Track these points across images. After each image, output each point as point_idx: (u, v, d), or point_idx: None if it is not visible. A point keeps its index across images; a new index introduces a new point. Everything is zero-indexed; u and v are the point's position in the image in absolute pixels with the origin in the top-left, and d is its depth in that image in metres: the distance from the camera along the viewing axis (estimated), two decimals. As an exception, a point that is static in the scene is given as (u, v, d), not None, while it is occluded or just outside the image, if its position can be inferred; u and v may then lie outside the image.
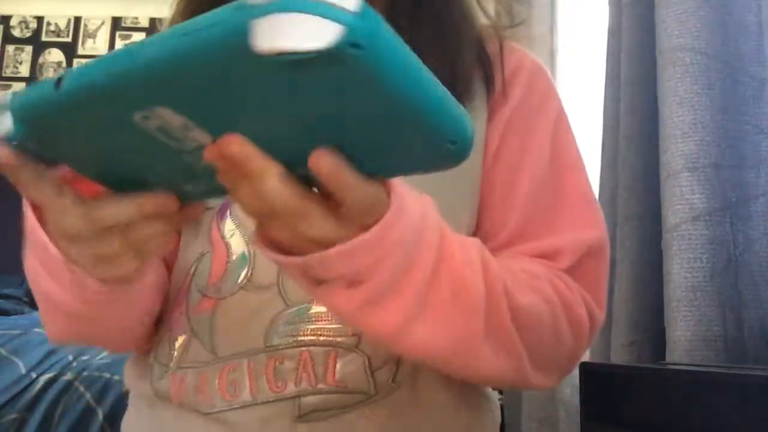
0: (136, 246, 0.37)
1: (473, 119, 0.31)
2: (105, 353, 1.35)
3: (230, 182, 0.30)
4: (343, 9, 0.22)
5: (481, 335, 0.40)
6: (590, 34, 1.26)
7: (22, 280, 2.24)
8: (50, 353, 1.33)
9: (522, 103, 0.55)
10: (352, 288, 0.35)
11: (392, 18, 0.33)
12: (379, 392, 0.48)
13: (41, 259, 0.44)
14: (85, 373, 1.27)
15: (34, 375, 1.27)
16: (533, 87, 0.56)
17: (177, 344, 0.51)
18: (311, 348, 0.48)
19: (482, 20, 0.57)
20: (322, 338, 0.48)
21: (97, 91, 0.27)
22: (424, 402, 0.50)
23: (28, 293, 2.06)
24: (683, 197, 0.76)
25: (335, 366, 0.48)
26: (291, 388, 0.47)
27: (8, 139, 0.32)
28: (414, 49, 0.25)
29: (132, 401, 0.56)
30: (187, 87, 0.26)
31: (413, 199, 0.35)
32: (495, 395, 0.59)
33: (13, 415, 1.21)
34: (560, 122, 0.55)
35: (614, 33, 0.97)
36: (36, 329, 1.43)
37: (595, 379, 0.63)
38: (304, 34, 0.21)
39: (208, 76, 0.24)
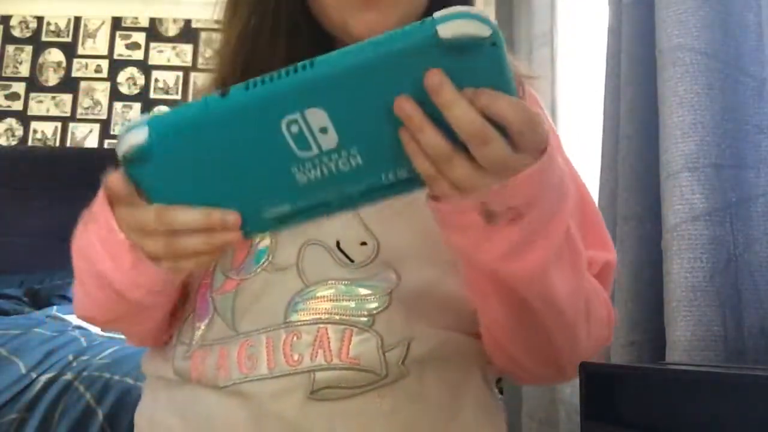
0: (176, 255, 0.43)
1: None
2: (105, 353, 1.35)
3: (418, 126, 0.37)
4: (489, 20, 0.36)
5: (582, 298, 0.48)
6: (590, 34, 1.26)
7: (22, 280, 2.24)
8: (50, 353, 1.33)
9: None
10: (512, 224, 0.39)
11: None
12: (389, 374, 0.50)
13: (103, 240, 0.46)
14: (85, 373, 1.27)
15: (34, 375, 1.27)
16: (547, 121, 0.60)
17: (201, 324, 0.54)
18: (328, 325, 0.50)
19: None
20: (337, 317, 0.50)
21: (265, 97, 0.36)
22: (427, 395, 0.51)
23: (28, 293, 2.06)
24: (683, 197, 0.76)
25: (350, 343, 0.50)
26: (307, 362, 0.49)
27: (131, 153, 0.39)
28: None
29: (147, 388, 0.59)
30: (352, 88, 0.36)
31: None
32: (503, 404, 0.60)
33: (13, 415, 1.21)
34: (563, 151, 0.61)
35: (614, 33, 0.97)
36: (36, 329, 1.43)
37: (595, 379, 0.63)
38: (471, 29, 0.35)
39: (383, 75, 0.36)
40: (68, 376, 1.26)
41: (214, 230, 0.41)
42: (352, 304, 0.51)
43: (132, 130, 0.39)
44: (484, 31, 0.35)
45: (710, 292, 0.73)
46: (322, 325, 0.50)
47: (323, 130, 0.37)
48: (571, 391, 1.13)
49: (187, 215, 0.41)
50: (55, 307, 1.86)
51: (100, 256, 0.47)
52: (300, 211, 0.42)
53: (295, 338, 0.50)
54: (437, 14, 0.35)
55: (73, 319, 1.69)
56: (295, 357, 0.50)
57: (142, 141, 0.39)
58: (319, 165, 0.39)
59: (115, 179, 0.42)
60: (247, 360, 0.51)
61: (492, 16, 1.79)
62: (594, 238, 0.57)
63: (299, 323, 0.51)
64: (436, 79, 0.35)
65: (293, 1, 0.58)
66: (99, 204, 0.47)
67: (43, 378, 1.26)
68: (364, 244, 0.53)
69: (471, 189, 0.39)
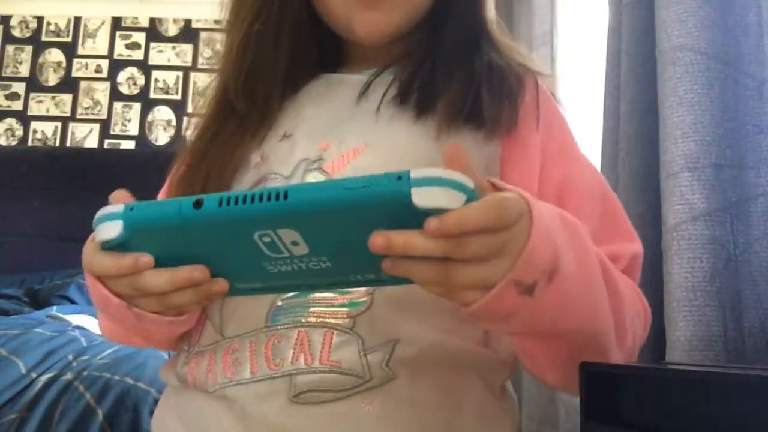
0: (172, 307, 0.46)
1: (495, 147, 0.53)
2: (105, 353, 1.35)
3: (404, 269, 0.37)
4: (466, 185, 0.36)
5: (618, 316, 0.47)
6: (590, 34, 1.26)
7: (22, 280, 2.24)
8: (50, 353, 1.33)
9: (556, 134, 0.60)
10: (552, 282, 0.39)
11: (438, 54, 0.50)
12: (373, 377, 0.48)
13: (102, 307, 0.50)
14: (85, 373, 1.27)
15: (34, 375, 1.27)
16: (559, 117, 0.62)
17: (197, 330, 0.56)
18: (308, 328, 0.50)
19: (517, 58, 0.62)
20: (319, 320, 0.50)
21: (237, 216, 0.37)
22: (420, 400, 0.49)
23: (28, 293, 2.06)
24: (683, 197, 0.76)
25: (330, 345, 0.49)
26: (287, 366, 0.49)
27: (107, 243, 0.42)
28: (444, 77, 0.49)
29: (162, 396, 0.61)
30: (323, 220, 0.37)
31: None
32: (515, 403, 0.59)
33: (13, 415, 1.21)
34: (578, 143, 0.62)
35: (614, 33, 0.97)
36: (36, 329, 1.43)
37: (595, 379, 0.63)
38: (445, 201, 0.35)
39: (351, 216, 0.36)
40: (68, 376, 1.26)
41: (199, 284, 0.43)
42: (333, 307, 0.50)
43: (106, 222, 0.41)
44: (459, 202, 0.35)
45: (710, 292, 0.73)
46: (302, 328, 0.50)
47: (294, 243, 0.38)
48: (571, 391, 1.13)
49: (156, 279, 0.43)
50: (55, 307, 1.86)
51: (108, 320, 0.54)
52: (270, 288, 0.45)
53: (276, 341, 0.50)
54: (415, 173, 0.35)
55: (73, 319, 1.69)
56: (277, 361, 0.49)
57: (116, 235, 0.41)
58: (290, 263, 0.40)
59: (88, 261, 0.46)
60: (231, 364, 0.51)
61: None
62: (619, 230, 0.57)
63: (280, 327, 0.51)
64: (379, 242, 0.35)
65: (297, 4, 0.58)
66: (88, 280, 0.48)
67: (43, 378, 1.26)
68: None
69: (491, 281, 0.37)
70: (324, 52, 0.62)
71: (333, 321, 0.50)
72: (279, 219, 0.37)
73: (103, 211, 0.41)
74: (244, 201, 0.37)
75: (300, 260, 0.40)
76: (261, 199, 0.36)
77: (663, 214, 0.79)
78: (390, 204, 0.35)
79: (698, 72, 0.77)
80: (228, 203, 0.37)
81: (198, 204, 0.38)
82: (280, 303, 0.52)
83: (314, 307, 0.51)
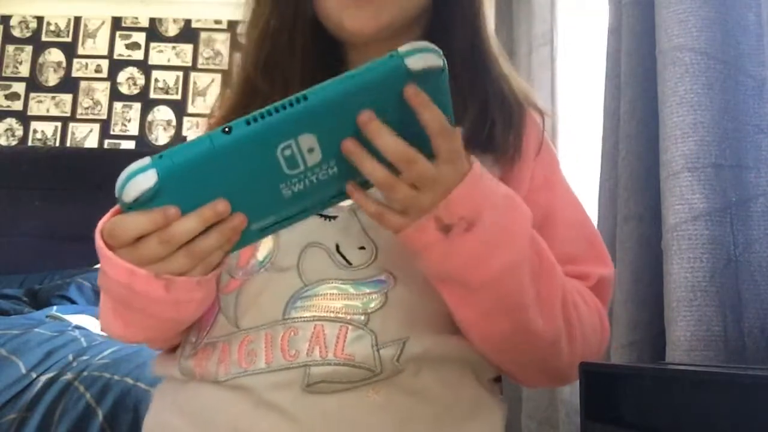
0: (199, 257, 0.46)
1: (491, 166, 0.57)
2: (105, 353, 1.35)
3: (358, 158, 0.43)
4: (441, 53, 0.43)
5: (559, 304, 0.53)
6: (590, 34, 1.26)
7: (22, 280, 2.24)
8: (50, 353, 1.33)
9: (546, 165, 0.65)
10: (468, 233, 0.45)
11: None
12: (383, 371, 0.52)
13: (125, 287, 0.48)
14: (85, 373, 1.27)
15: (34, 375, 1.27)
16: (550, 150, 0.67)
17: (207, 322, 0.57)
18: (324, 322, 0.53)
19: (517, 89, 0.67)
20: (333, 314, 0.53)
21: (265, 130, 0.41)
22: (422, 393, 0.53)
23: (28, 293, 2.06)
24: (683, 197, 0.76)
25: (345, 340, 0.52)
26: (302, 357, 0.52)
27: (141, 197, 0.42)
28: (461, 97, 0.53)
29: (157, 392, 0.61)
30: (338, 114, 0.42)
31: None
32: (504, 400, 0.62)
33: (13, 415, 1.21)
34: (563, 175, 0.67)
35: (614, 33, 0.97)
36: (36, 329, 1.43)
37: (595, 379, 0.63)
38: (433, 61, 0.43)
39: (363, 99, 0.42)
40: (68, 376, 1.26)
41: (221, 222, 0.45)
42: (349, 303, 0.53)
43: (137, 175, 0.42)
44: (441, 62, 0.43)
45: (710, 292, 0.73)
46: (318, 322, 0.53)
47: (310, 150, 0.43)
48: (571, 391, 1.13)
49: (185, 224, 0.44)
50: (55, 307, 1.86)
51: (134, 299, 0.49)
52: (282, 219, 0.48)
53: (292, 334, 0.53)
54: (402, 48, 0.42)
55: (73, 319, 1.69)
56: (292, 352, 0.52)
57: (151, 185, 0.42)
58: (303, 179, 0.45)
59: (117, 228, 0.45)
60: (247, 355, 0.53)
61: (492, 16, 1.79)
62: (590, 253, 0.62)
63: (297, 320, 0.53)
64: (365, 116, 0.42)
65: (306, 6, 0.63)
66: (108, 263, 0.47)
67: (43, 378, 1.26)
68: (362, 248, 0.55)
69: (417, 210, 0.46)
70: (329, 53, 0.66)
71: (348, 316, 0.53)
72: (301, 122, 0.42)
73: (130, 168, 0.42)
74: (270, 114, 0.41)
75: (312, 172, 0.45)
76: (284, 107, 0.41)
77: (663, 214, 0.79)
78: (390, 77, 0.42)
79: (698, 72, 0.77)
80: (255, 120, 0.41)
81: (228, 130, 0.41)
82: (297, 299, 0.54)
83: (329, 301, 0.53)
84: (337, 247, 0.55)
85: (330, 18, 0.62)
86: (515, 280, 0.49)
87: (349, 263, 0.55)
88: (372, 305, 0.53)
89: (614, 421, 0.59)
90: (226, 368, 0.54)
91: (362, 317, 0.53)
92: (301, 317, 0.53)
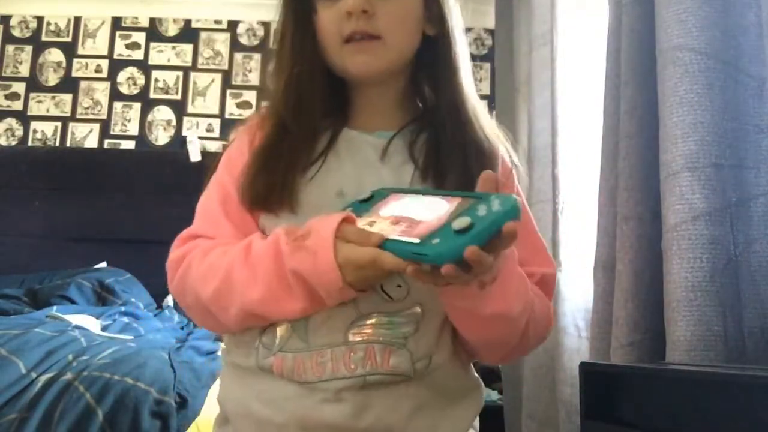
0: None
1: None
2: (105, 353, 1.35)
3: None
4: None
5: (529, 308, 0.71)
6: (590, 34, 1.26)
7: (22, 280, 2.24)
8: (50, 353, 1.33)
9: (507, 188, 0.80)
10: (493, 283, 0.62)
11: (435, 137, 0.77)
12: (415, 376, 0.71)
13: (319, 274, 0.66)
14: (85, 373, 1.27)
15: (34, 375, 1.27)
16: (513, 179, 0.82)
17: (279, 335, 0.72)
18: (375, 345, 0.70)
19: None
20: (381, 339, 0.70)
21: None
22: (436, 387, 0.73)
23: (28, 293, 2.06)
24: (683, 197, 0.76)
25: (389, 358, 0.70)
26: (360, 371, 0.69)
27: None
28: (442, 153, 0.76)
29: (231, 371, 0.76)
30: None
31: None
32: (480, 382, 0.82)
33: (13, 415, 1.21)
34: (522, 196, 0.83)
35: (614, 33, 0.97)
36: (36, 329, 1.43)
37: (595, 379, 0.63)
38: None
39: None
40: (68, 376, 1.26)
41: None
42: (392, 330, 0.71)
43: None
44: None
45: (710, 292, 0.73)
46: (370, 344, 0.70)
47: None
48: (571, 391, 1.13)
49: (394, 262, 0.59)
50: (55, 307, 1.86)
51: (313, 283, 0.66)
52: None
53: (352, 353, 0.70)
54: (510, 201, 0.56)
55: (73, 319, 1.69)
56: (352, 366, 0.69)
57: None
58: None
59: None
60: (317, 366, 0.70)
61: (492, 16, 1.79)
62: (538, 257, 0.78)
63: (355, 342, 0.70)
64: (475, 255, 0.54)
65: (321, 56, 0.77)
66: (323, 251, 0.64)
67: (43, 378, 1.26)
68: (399, 286, 0.71)
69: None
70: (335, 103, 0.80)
71: (392, 339, 0.70)
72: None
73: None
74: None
75: None
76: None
77: (663, 214, 0.79)
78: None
79: (698, 72, 0.77)
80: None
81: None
82: (354, 325, 0.70)
83: (378, 329, 0.70)
84: (381, 286, 0.70)
85: (335, 63, 0.76)
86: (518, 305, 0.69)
87: (390, 297, 0.71)
88: (408, 331, 0.71)
89: (614, 421, 0.59)
90: (302, 374, 0.70)
91: (402, 340, 0.71)
92: (357, 341, 0.70)
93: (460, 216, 0.57)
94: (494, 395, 1.81)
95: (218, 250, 0.73)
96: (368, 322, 0.71)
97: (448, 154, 0.76)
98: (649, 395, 0.57)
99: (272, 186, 0.74)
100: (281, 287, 0.68)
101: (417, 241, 0.57)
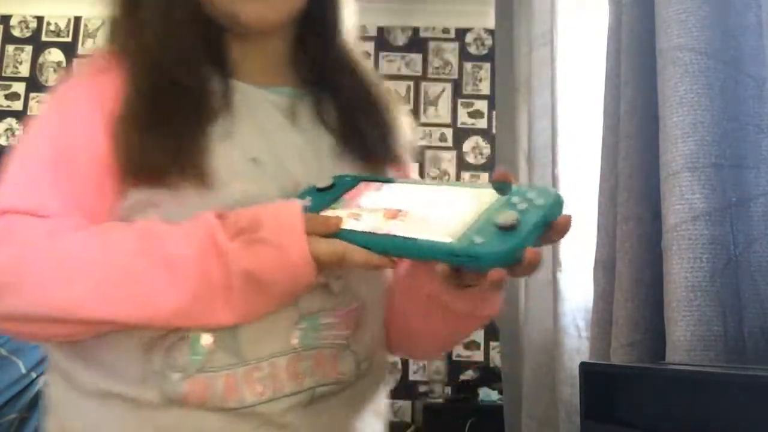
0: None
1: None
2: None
3: None
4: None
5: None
6: (590, 34, 1.26)
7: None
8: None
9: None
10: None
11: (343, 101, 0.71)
12: (358, 377, 0.64)
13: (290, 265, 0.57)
14: (85, 373, 1.27)
15: (34, 375, 1.27)
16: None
17: (196, 350, 0.57)
18: (322, 350, 0.62)
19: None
20: (328, 341, 0.62)
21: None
22: (372, 378, 0.67)
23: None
24: (683, 197, 0.76)
25: (337, 362, 0.62)
26: (308, 382, 0.60)
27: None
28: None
29: (105, 403, 0.58)
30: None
31: None
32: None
33: (13, 415, 1.21)
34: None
35: (614, 32, 0.97)
36: (36, 329, 1.43)
37: (595, 379, 0.63)
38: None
39: None
40: (68, 376, 1.26)
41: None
42: (336, 331, 0.63)
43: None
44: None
45: (710, 292, 0.73)
46: (317, 350, 0.61)
47: None
48: (571, 391, 1.13)
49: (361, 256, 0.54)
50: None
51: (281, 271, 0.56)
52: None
53: (297, 362, 0.60)
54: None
55: (73, 319, 1.69)
56: (300, 377, 0.60)
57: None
58: None
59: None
60: (257, 384, 0.58)
61: (492, 16, 1.79)
62: None
63: (300, 349, 0.60)
64: (498, 276, 0.49)
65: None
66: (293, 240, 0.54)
67: (43, 378, 1.26)
68: (339, 278, 0.63)
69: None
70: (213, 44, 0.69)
71: (337, 342, 0.63)
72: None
73: None
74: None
75: None
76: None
77: (663, 214, 0.79)
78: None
79: (698, 72, 0.77)
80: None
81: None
82: (295, 329, 0.61)
83: (323, 331, 0.62)
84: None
85: (220, 10, 0.65)
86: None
87: (332, 292, 0.62)
88: (349, 329, 0.64)
89: (614, 421, 0.59)
90: (237, 397, 0.57)
91: (346, 342, 0.63)
92: (302, 347, 0.60)
93: (500, 210, 0.50)
94: (494, 395, 1.81)
95: (76, 235, 0.55)
96: (313, 322, 0.61)
97: (361, 116, 0.70)
98: (649, 395, 0.57)
99: (170, 150, 0.58)
100: (213, 293, 0.54)
101: (449, 240, 0.49)
